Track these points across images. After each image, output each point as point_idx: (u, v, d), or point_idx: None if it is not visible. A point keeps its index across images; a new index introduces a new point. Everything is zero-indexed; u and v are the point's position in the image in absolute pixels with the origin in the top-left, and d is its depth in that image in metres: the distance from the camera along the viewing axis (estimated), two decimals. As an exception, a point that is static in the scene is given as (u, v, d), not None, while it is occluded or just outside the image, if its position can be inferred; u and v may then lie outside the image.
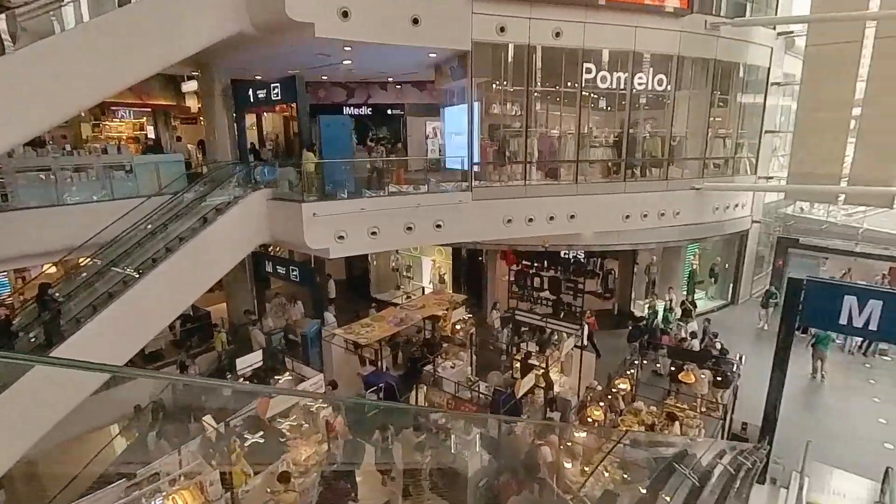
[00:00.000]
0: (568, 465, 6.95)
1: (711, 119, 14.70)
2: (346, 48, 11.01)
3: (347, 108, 17.84)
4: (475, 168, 12.27)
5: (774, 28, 15.68)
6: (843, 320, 7.12)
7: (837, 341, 14.06)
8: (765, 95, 16.05)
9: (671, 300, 14.84)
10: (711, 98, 14.48)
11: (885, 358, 13.69)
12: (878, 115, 13.13)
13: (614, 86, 12.91)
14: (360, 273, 18.90)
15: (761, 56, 15.50)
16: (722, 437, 8.94)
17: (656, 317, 14.20)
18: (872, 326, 6.95)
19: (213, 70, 12.54)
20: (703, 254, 18.08)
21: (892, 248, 15.23)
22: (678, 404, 8.90)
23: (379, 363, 11.29)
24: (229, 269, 10.60)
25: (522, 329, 12.09)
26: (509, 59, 12.04)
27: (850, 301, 7.06)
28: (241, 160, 13.00)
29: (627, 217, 13.48)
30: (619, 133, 13.72)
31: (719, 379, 9.61)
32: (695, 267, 17.73)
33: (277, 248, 18.11)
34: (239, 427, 8.63)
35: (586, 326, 11.93)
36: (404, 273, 18.61)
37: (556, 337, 11.23)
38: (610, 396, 8.54)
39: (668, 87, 13.49)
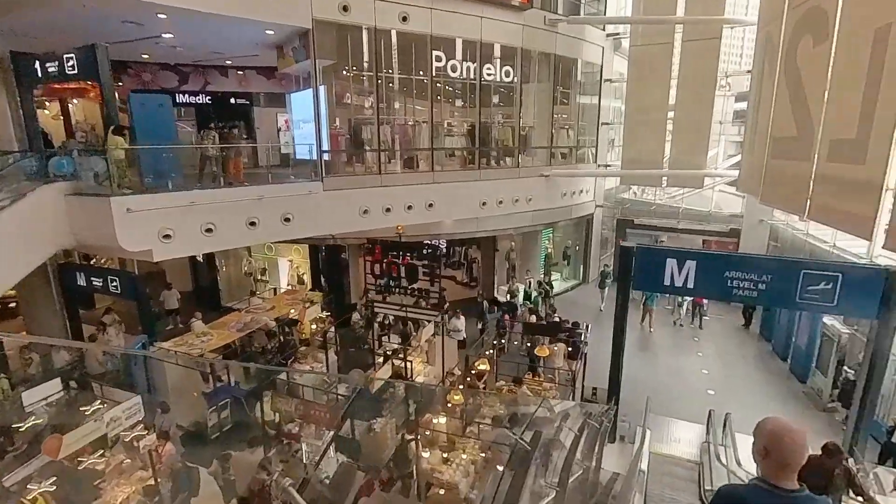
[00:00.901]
0: (427, 454, 6.59)
1: (556, 112, 15.68)
2: (161, 15, 9.45)
3: (181, 94, 15.71)
4: (326, 157, 11.50)
5: (604, 28, 17.23)
6: (667, 281, 7.85)
7: (667, 307, 15.93)
8: (599, 91, 17.58)
9: (530, 283, 15.53)
10: (555, 91, 15.43)
11: (706, 318, 15.78)
12: (684, 113, 15.11)
13: (465, 75, 13.05)
14: (208, 282, 16.82)
15: (595, 54, 16.93)
16: (573, 404, 9.34)
17: (517, 299, 14.73)
18: (690, 284, 7.75)
19: (-19, 37, 10.03)
20: (557, 238, 19.34)
21: (704, 224, 17.81)
22: (536, 378, 9.13)
23: (226, 377, 9.95)
24: (8, 288, 8.46)
25: (386, 323, 11.59)
26: (360, 43, 11.47)
27: (671, 263, 7.81)
28: (32, 150, 10.61)
29: (484, 204, 13.75)
30: (473, 123, 13.94)
31: (570, 349, 10.09)
32: (550, 251, 18.88)
33: (104, 258, 15.39)
34: (33, 478, 6.89)
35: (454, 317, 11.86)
36: (259, 277, 16.98)
37: (416, 327, 10.93)
38: (470, 379, 8.43)
39: (515, 79, 14.02)
